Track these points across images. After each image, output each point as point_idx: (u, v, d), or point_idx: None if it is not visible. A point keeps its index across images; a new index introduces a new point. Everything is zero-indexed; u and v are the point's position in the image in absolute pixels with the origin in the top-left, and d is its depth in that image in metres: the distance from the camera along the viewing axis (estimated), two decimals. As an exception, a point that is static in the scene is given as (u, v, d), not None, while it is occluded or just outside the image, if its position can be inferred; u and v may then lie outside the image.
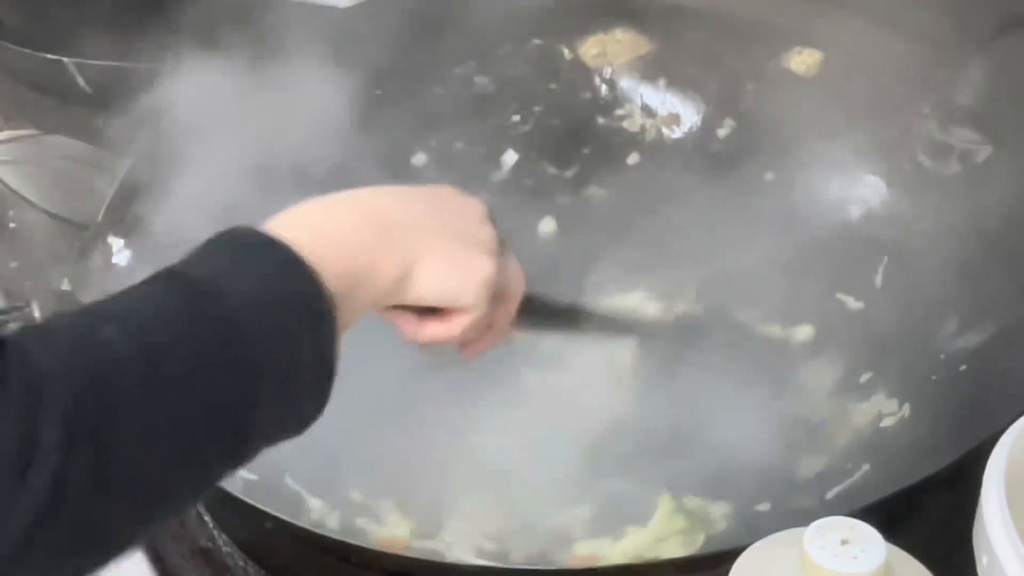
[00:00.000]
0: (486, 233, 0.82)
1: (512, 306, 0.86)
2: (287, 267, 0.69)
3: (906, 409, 1.02)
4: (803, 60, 1.23)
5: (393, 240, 0.77)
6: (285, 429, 0.69)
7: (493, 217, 0.84)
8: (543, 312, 0.95)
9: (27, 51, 1.38)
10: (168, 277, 0.68)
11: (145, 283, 0.67)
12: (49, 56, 1.36)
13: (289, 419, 0.69)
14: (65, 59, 1.34)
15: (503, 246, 0.84)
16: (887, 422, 1.02)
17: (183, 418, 0.63)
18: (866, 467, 1.00)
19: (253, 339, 0.66)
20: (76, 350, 0.60)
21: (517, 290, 0.86)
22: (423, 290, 0.78)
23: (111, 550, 0.62)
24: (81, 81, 1.35)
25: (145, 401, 0.61)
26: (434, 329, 0.82)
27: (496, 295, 0.82)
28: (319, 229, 0.73)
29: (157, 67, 1.31)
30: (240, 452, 0.67)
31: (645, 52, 1.29)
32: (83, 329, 0.62)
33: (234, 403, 0.65)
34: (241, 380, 0.65)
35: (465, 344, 0.85)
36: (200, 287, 0.67)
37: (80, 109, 1.40)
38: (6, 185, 1.31)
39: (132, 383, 0.61)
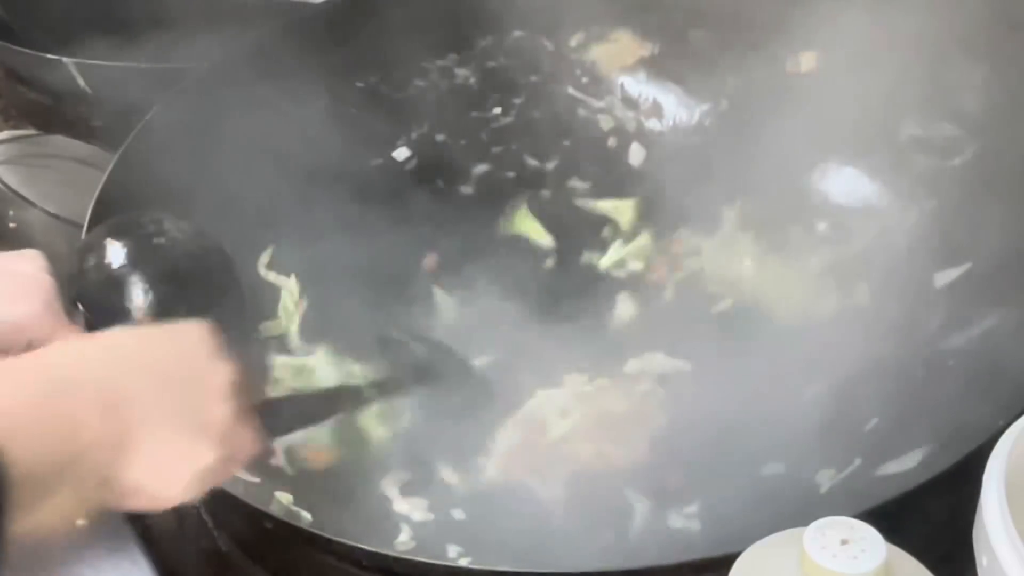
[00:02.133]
0: (218, 414, 0.75)
1: (239, 462, 0.80)
2: None
3: (905, 409, 1.02)
4: (786, 53, 1.23)
5: (110, 420, 0.70)
6: None
7: (241, 384, 0.77)
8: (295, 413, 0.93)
9: (27, 51, 1.38)
10: None
11: None
12: (49, 56, 1.36)
13: None
14: (65, 59, 1.34)
15: (241, 413, 0.77)
16: (887, 422, 1.02)
17: None
18: (858, 461, 1.00)
19: None
20: None
21: (242, 459, 0.80)
22: (128, 477, 0.72)
23: None
24: (81, 81, 1.35)
25: None
26: (137, 504, 0.76)
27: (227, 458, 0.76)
28: (18, 405, 0.66)
29: (157, 67, 1.31)
30: None
31: (626, 44, 1.29)
32: None
33: None
34: None
35: None
36: None
37: (80, 109, 1.40)
38: (6, 185, 1.31)
39: None
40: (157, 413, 0.72)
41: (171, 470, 0.74)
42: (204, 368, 0.76)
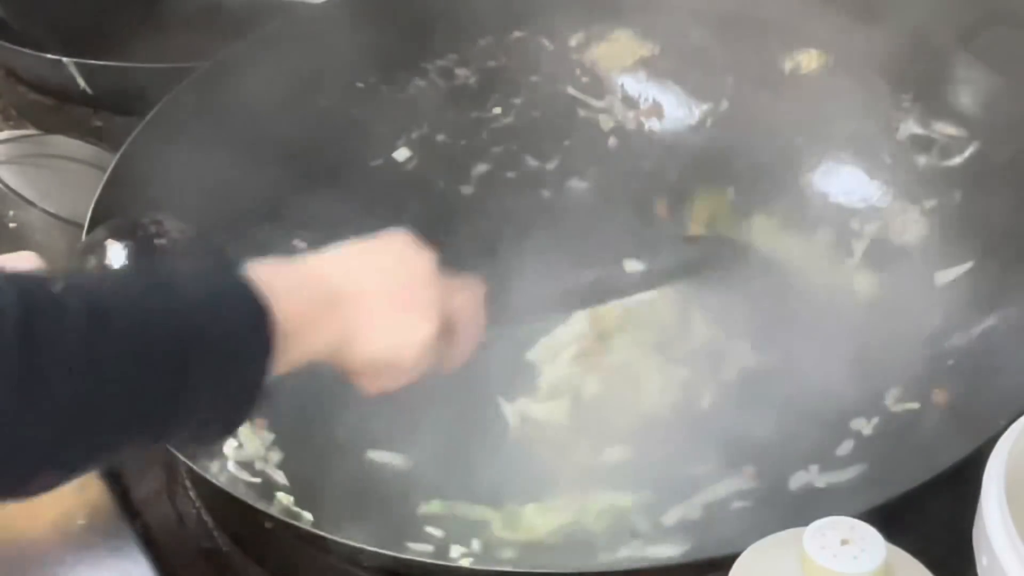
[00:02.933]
0: (429, 292, 0.87)
1: (467, 342, 0.91)
2: (246, 299, 0.75)
3: (903, 409, 1.02)
4: (786, 53, 1.23)
5: (336, 308, 0.82)
6: (207, 426, 0.75)
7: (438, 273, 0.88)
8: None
9: (27, 51, 1.38)
10: (132, 269, 0.76)
11: (118, 270, 0.75)
12: (49, 56, 1.36)
13: (214, 417, 0.75)
14: (65, 59, 1.34)
15: (460, 284, 0.90)
16: (886, 421, 1.02)
17: (115, 373, 0.68)
18: (863, 467, 1.00)
19: (196, 340, 0.71)
20: (21, 291, 0.66)
21: (472, 328, 0.92)
22: (363, 355, 0.84)
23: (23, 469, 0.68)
24: (81, 81, 1.35)
25: (80, 353, 0.67)
26: (380, 383, 0.88)
27: (447, 337, 0.88)
28: (280, 284, 0.77)
29: (157, 67, 1.31)
30: (157, 432, 0.73)
31: (626, 44, 1.29)
32: (39, 282, 0.68)
33: (162, 383, 0.70)
34: (171, 368, 0.70)
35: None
36: (159, 284, 0.74)
37: (80, 109, 1.40)
38: (6, 185, 1.31)
39: (73, 324, 0.66)
40: (375, 294, 0.84)
41: (397, 343, 0.85)
42: (410, 256, 0.88)
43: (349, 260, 0.86)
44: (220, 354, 0.73)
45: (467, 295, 0.92)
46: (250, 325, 0.75)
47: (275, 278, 0.78)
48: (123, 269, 0.79)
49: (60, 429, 0.67)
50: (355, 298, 0.83)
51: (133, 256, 0.93)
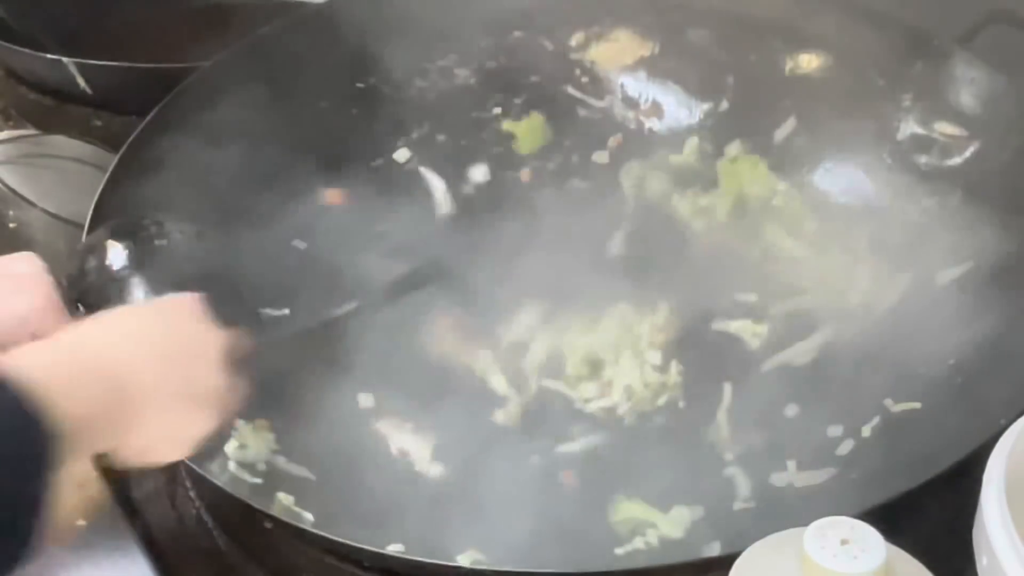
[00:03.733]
0: (214, 381, 0.83)
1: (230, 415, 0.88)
2: (11, 404, 0.69)
3: (903, 409, 1.02)
4: (786, 53, 1.23)
5: (121, 397, 0.77)
6: None
7: (234, 346, 0.85)
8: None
9: (27, 51, 1.38)
10: None
11: None
12: (49, 56, 1.36)
13: None
14: (65, 59, 1.34)
15: (235, 379, 0.85)
16: (886, 421, 1.02)
17: None
18: (857, 461, 1.00)
19: None
20: None
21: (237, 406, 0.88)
22: (137, 442, 0.80)
23: None
24: (81, 81, 1.35)
25: None
26: (143, 460, 0.84)
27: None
28: (49, 381, 0.72)
29: (157, 67, 1.31)
30: None
31: (626, 44, 1.29)
32: None
33: None
34: None
35: None
36: None
37: (80, 109, 1.40)
38: (6, 185, 1.30)
39: None
40: (158, 387, 0.79)
41: (173, 437, 0.82)
42: (198, 340, 0.83)
43: (129, 334, 0.80)
44: None
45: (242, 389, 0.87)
46: (26, 443, 0.69)
47: (52, 375, 0.72)
48: None
49: None
50: (137, 382, 0.78)
51: (133, 257, 0.93)
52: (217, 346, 0.84)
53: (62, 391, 0.71)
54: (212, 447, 0.94)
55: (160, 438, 0.81)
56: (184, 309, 0.84)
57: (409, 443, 1.05)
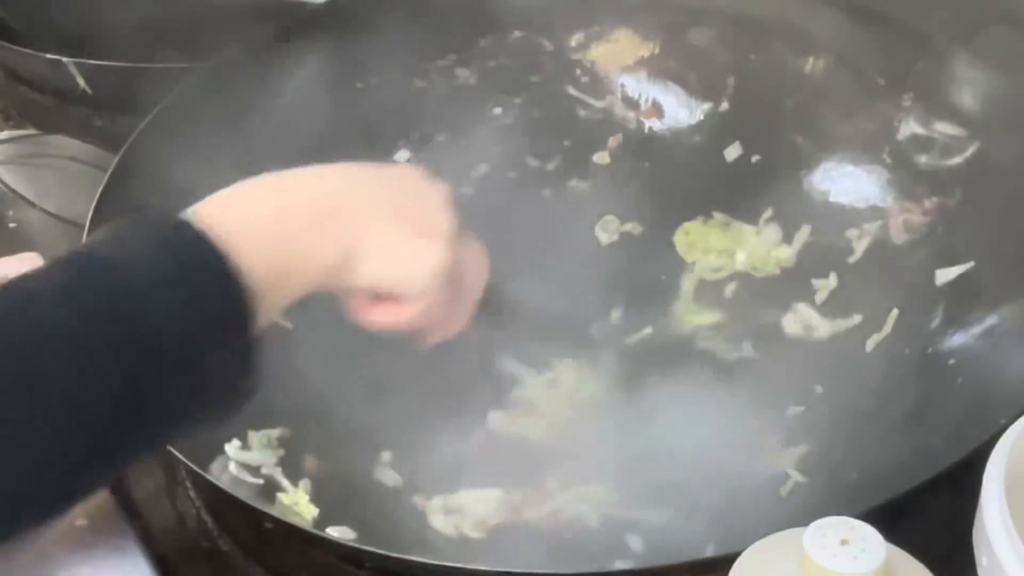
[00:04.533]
0: (444, 219, 0.79)
1: (470, 297, 0.84)
2: (203, 263, 0.66)
3: (904, 407, 1.02)
4: (786, 53, 1.23)
5: (335, 223, 0.73)
6: (199, 418, 0.67)
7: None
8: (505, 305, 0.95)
9: (27, 51, 1.38)
10: (70, 253, 0.66)
11: (51, 261, 0.66)
12: (49, 56, 1.36)
13: (200, 408, 0.67)
14: (65, 59, 1.35)
15: (464, 235, 0.81)
16: (885, 421, 1.02)
17: (68, 391, 0.60)
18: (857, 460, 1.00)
19: (149, 320, 0.62)
20: None
21: (477, 281, 0.84)
22: (367, 275, 0.75)
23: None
24: (81, 81, 1.35)
25: (25, 368, 0.59)
26: (382, 313, 0.79)
27: (453, 284, 0.80)
28: (249, 216, 0.71)
29: (157, 67, 1.31)
30: (142, 434, 0.64)
31: (626, 44, 1.28)
32: None
33: (125, 382, 0.61)
34: (133, 359, 0.62)
35: (419, 331, 0.82)
36: (96, 263, 0.65)
37: (80, 109, 1.40)
38: (6, 185, 1.31)
39: (11, 346, 0.59)
40: (382, 217, 0.75)
41: (406, 265, 0.76)
42: (423, 184, 0.80)
43: (349, 174, 0.78)
44: (190, 356, 0.64)
45: (475, 249, 0.84)
46: (218, 307, 0.65)
47: (244, 212, 0.71)
48: (69, 258, 0.66)
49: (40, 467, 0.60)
50: (355, 211, 0.75)
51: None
52: (442, 191, 0.81)
53: (255, 235, 0.69)
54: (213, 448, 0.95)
55: (390, 266, 0.76)
56: (409, 167, 0.85)
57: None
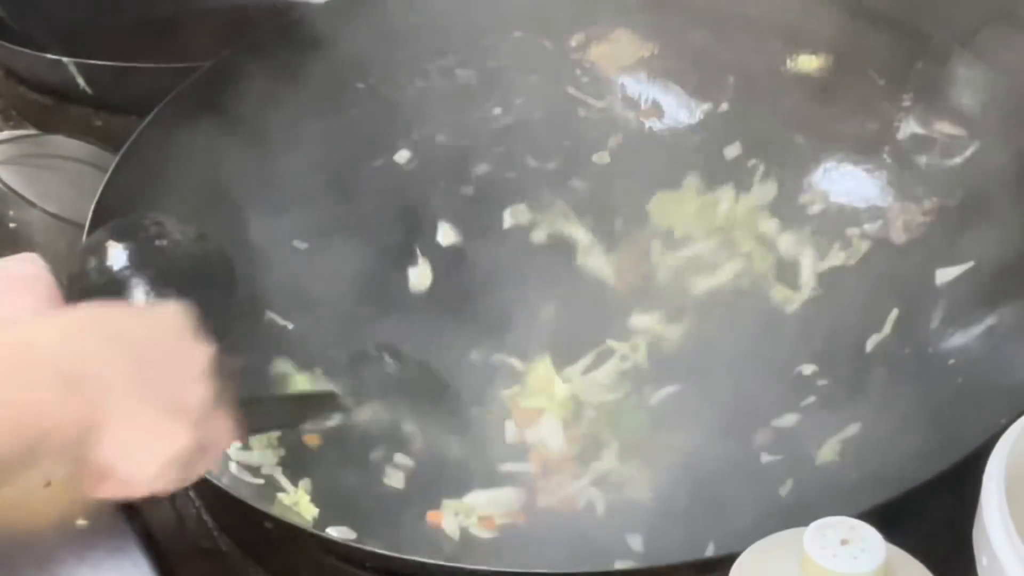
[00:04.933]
0: (195, 395, 0.73)
1: (214, 455, 0.78)
2: None
3: (904, 407, 1.02)
4: (786, 53, 1.23)
5: (74, 393, 0.67)
6: None
7: (217, 366, 0.75)
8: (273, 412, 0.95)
9: (27, 51, 1.38)
10: None
11: None
12: (49, 56, 1.36)
13: None
14: (65, 59, 1.35)
15: (219, 397, 0.75)
16: (885, 422, 1.02)
17: None
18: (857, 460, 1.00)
19: None
20: None
21: (218, 448, 0.79)
22: (98, 458, 0.70)
23: None
24: (81, 81, 1.35)
25: None
26: (108, 490, 0.74)
27: (202, 444, 0.74)
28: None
29: (157, 67, 1.31)
30: None
31: (626, 44, 1.28)
32: None
33: None
34: None
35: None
36: None
37: (80, 109, 1.40)
38: (6, 185, 1.30)
39: None
40: (127, 390, 0.69)
41: (143, 451, 0.71)
42: (180, 347, 0.73)
43: (100, 331, 0.71)
44: None
45: (227, 419, 0.76)
46: None
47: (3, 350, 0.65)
48: None
49: None
50: (101, 382, 0.68)
51: (134, 258, 0.93)
52: (202, 357, 0.74)
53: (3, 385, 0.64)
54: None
55: (127, 451, 0.70)
56: (167, 314, 0.75)
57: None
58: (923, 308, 1.09)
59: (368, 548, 0.89)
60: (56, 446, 0.67)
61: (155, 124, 1.15)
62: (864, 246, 1.16)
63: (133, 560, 0.98)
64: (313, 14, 1.31)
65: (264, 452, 1.02)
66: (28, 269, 0.87)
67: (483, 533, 1.00)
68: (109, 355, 0.69)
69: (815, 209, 1.19)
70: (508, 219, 1.23)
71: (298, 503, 0.99)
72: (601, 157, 1.27)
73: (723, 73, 1.25)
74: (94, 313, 0.73)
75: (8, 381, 0.66)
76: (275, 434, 1.03)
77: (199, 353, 0.74)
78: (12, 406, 0.65)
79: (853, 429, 1.03)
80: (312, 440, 1.04)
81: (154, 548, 0.99)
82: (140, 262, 0.93)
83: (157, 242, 0.95)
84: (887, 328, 1.09)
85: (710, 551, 0.92)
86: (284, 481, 1.01)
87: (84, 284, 0.92)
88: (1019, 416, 0.79)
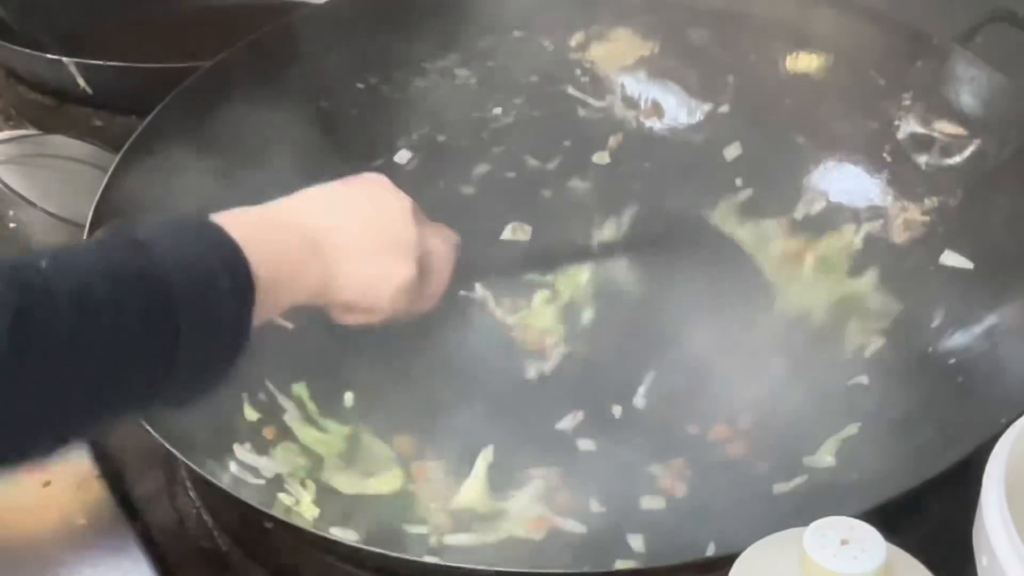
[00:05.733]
0: (408, 234, 0.92)
1: (439, 281, 0.96)
2: (218, 244, 0.79)
3: (904, 407, 1.02)
4: (786, 53, 1.23)
5: (315, 252, 0.86)
6: (196, 381, 0.78)
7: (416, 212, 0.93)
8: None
9: (27, 51, 1.38)
10: (109, 234, 0.79)
11: (91, 239, 0.81)
12: (49, 56, 1.36)
13: (200, 374, 0.77)
14: (65, 59, 1.35)
15: (431, 227, 0.94)
16: (885, 422, 1.02)
17: (103, 348, 0.72)
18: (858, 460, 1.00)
19: (176, 293, 0.74)
20: (11, 280, 0.69)
21: (444, 267, 0.96)
22: (342, 294, 0.89)
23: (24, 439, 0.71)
24: (81, 81, 1.35)
25: (71, 326, 0.70)
26: (358, 318, 0.93)
27: (421, 274, 0.92)
28: (251, 232, 0.81)
29: (157, 67, 1.31)
30: (148, 394, 0.76)
31: (626, 44, 1.28)
32: (22, 262, 0.71)
33: (147, 347, 0.74)
34: (155, 331, 0.74)
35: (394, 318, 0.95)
36: (134, 244, 0.76)
37: (80, 109, 1.40)
38: (6, 185, 1.30)
39: (61, 310, 0.70)
40: (354, 243, 0.89)
41: (376, 286, 0.90)
42: (386, 202, 0.92)
43: (326, 202, 0.90)
44: (202, 311, 0.76)
45: (440, 240, 0.96)
46: (229, 278, 0.77)
47: (251, 227, 0.81)
48: (105, 237, 0.81)
49: (54, 400, 0.70)
50: (333, 241, 0.87)
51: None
52: (406, 205, 0.92)
53: (260, 241, 0.80)
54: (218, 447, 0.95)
55: (363, 286, 0.89)
56: (372, 179, 0.94)
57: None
58: (923, 308, 1.08)
59: (369, 548, 0.89)
60: (300, 289, 0.86)
61: (155, 124, 1.15)
62: (864, 246, 1.16)
63: (133, 560, 0.98)
64: (313, 14, 1.31)
65: (271, 455, 1.02)
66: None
67: (480, 532, 1.00)
68: (338, 220, 0.89)
69: (815, 209, 1.19)
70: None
71: (299, 503, 0.99)
72: (601, 157, 1.27)
73: (723, 73, 1.25)
74: (319, 190, 0.91)
75: (271, 242, 0.83)
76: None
77: (401, 203, 0.93)
78: (275, 250, 0.83)
79: (852, 429, 1.03)
80: (316, 444, 1.04)
81: (154, 548, 0.99)
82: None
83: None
84: (887, 328, 1.09)
85: (710, 551, 0.92)
86: (288, 482, 1.01)
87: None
88: (1019, 416, 0.79)
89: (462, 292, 1.14)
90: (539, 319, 1.15)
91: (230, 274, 0.78)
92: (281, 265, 0.83)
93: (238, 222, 0.81)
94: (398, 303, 0.92)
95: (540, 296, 1.16)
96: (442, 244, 0.96)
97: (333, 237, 0.87)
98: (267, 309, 0.81)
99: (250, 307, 0.78)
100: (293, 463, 1.02)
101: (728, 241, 1.20)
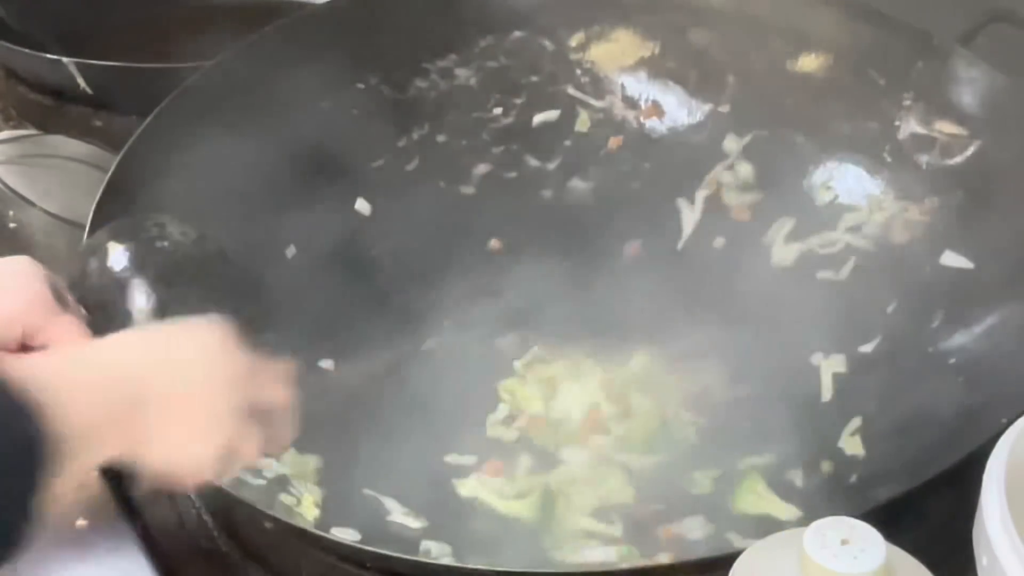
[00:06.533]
0: (226, 402, 0.82)
1: (284, 430, 0.88)
2: (10, 404, 0.70)
3: (904, 407, 1.02)
4: (786, 53, 1.23)
5: (132, 415, 0.77)
6: None
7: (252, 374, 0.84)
8: None
9: (27, 51, 1.39)
10: None
11: None
12: (49, 56, 1.36)
13: None
14: (65, 59, 1.35)
15: (265, 378, 0.85)
16: (885, 422, 1.02)
17: None
18: (866, 469, 1.00)
19: None
20: None
21: (285, 414, 0.87)
22: (154, 462, 0.80)
23: None
24: (81, 81, 1.35)
25: None
26: (164, 484, 0.83)
27: (263, 422, 0.84)
28: (61, 383, 0.74)
29: (157, 67, 1.31)
30: None
31: (626, 44, 1.28)
32: None
33: None
34: None
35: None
36: None
37: (80, 109, 1.40)
38: (6, 185, 1.31)
39: None
40: (172, 406, 0.80)
41: (190, 456, 0.81)
42: (221, 363, 0.83)
43: (156, 354, 0.82)
44: None
45: (277, 389, 0.87)
46: (18, 443, 0.70)
47: (65, 377, 0.74)
48: None
49: None
50: (157, 402, 0.79)
51: (134, 259, 0.93)
52: (238, 369, 0.83)
53: (67, 394, 0.72)
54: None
55: (176, 457, 0.81)
56: (208, 332, 0.84)
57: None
58: (924, 308, 1.09)
59: (368, 548, 0.89)
60: (114, 450, 0.77)
61: (155, 124, 1.15)
62: (865, 246, 1.16)
63: (133, 560, 0.98)
64: (313, 14, 1.31)
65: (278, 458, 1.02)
66: (14, 268, 0.88)
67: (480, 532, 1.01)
68: (165, 381, 0.80)
69: (815, 209, 1.19)
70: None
71: (300, 503, 0.99)
72: (602, 156, 1.27)
73: (723, 73, 1.25)
74: (148, 332, 0.85)
75: (76, 387, 0.75)
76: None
77: (235, 365, 0.83)
78: (78, 405, 0.74)
79: (852, 429, 1.03)
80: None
81: (154, 548, 0.99)
82: (141, 263, 0.93)
83: (158, 243, 0.95)
84: (887, 327, 1.09)
85: (710, 551, 0.92)
86: (290, 483, 1.01)
87: (84, 285, 0.92)
88: (1019, 416, 0.79)
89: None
90: None
91: (24, 450, 0.69)
92: (98, 424, 0.75)
93: (56, 371, 0.75)
94: (205, 472, 0.84)
95: None
96: (280, 393, 0.87)
97: (157, 399, 0.79)
98: (71, 472, 0.73)
99: (40, 483, 0.70)
100: (302, 465, 1.02)
101: (728, 241, 1.20)
